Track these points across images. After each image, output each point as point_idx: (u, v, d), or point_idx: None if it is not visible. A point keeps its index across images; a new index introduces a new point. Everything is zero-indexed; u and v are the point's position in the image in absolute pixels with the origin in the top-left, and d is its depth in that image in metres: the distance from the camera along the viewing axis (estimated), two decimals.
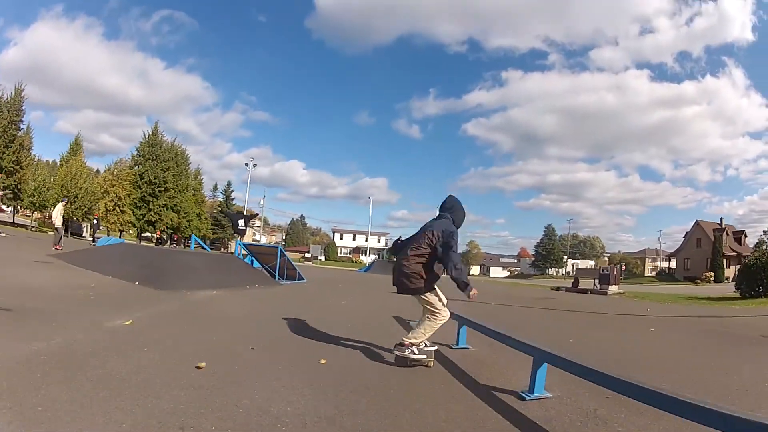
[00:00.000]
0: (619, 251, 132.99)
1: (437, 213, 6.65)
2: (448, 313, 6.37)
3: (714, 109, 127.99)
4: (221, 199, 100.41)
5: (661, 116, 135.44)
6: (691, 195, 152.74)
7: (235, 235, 23.81)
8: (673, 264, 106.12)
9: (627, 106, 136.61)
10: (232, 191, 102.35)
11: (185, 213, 64.55)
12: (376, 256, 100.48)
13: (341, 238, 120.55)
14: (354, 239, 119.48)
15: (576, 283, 29.61)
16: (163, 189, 61.02)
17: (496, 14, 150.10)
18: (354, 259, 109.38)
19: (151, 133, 63.58)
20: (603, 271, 27.55)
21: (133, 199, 60.02)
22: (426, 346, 6.28)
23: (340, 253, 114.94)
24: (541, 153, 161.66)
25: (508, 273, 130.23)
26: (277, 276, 18.11)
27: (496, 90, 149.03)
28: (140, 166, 61.22)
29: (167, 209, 61.33)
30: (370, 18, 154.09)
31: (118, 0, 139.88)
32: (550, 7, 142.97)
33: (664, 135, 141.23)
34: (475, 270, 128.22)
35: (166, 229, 61.71)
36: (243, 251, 20.87)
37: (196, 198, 70.94)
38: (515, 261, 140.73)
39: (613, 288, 26.91)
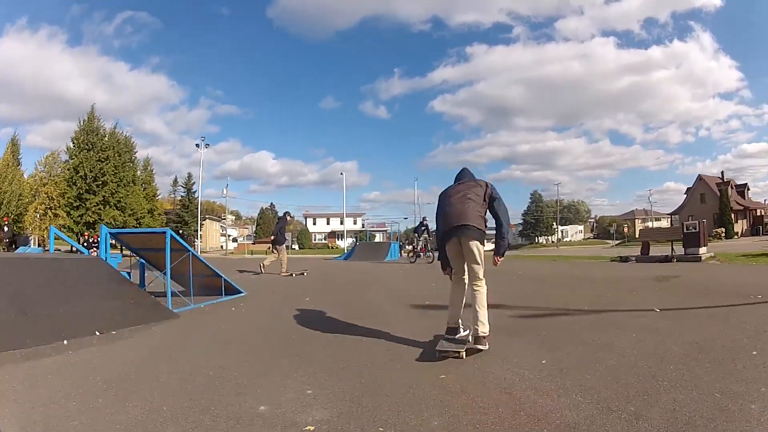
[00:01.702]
0: (599, 216, 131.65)
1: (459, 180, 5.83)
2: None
3: (683, 73, 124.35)
4: (183, 194, 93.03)
5: (629, 82, 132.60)
6: (663, 157, 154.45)
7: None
8: (664, 223, 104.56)
9: (594, 74, 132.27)
10: (194, 183, 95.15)
11: (132, 210, 54.70)
12: (354, 239, 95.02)
13: (314, 224, 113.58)
14: (328, 223, 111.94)
15: (646, 248, 21.71)
16: (100, 183, 51.21)
17: None
18: (330, 245, 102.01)
19: (87, 119, 53.48)
20: (689, 228, 19.74)
21: (68, 198, 50.24)
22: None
23: (315, 240, 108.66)
24: (510, 124, 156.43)
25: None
26: (169, 298, 8.14)
27: (461, 65, 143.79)
28: (74, 159, 51.53)
29: (108, 207, 51.46)
30: (332, 2, 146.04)
31: (80, 6, 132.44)
32: None
33: (633, 100, 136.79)
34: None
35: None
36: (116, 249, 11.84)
37: (146, 192, 61.19)
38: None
39: (703, 251, 19.38)
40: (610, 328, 6.17)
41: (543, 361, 4.74)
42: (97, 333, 6.14)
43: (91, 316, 6.49)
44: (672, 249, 20.00)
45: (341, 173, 68.08)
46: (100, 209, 50.60)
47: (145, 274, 10.18)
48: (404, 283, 13.50)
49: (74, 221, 49.47)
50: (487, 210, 5.49)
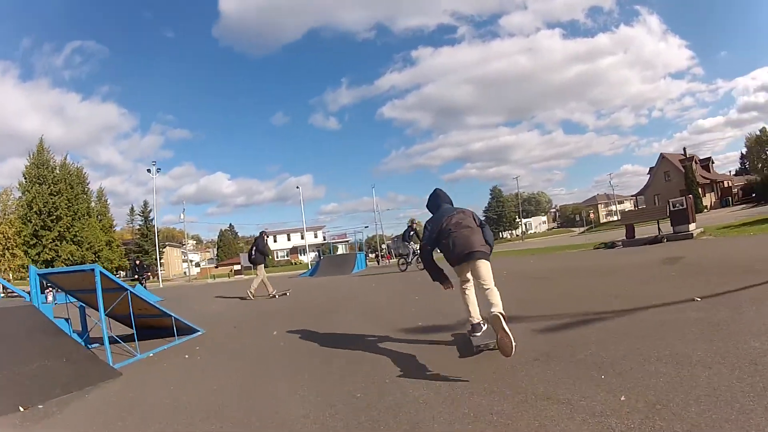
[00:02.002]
0: (559, 205, 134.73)
1: (440, 205, 6.72)
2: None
3: (631, 57, 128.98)
4: (140, 223, 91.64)
5: (577, 71, 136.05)
6: (618, 141, 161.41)
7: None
8: (629, 205, 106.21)
9: (541, 66, 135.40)
10: (150, 211, 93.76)
11: (89, 244, 52.97)
12: (318, 253, 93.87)
13: (275, 241, 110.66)
14: (289, 239, 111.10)
15: (631, 231, 21.37)
16: (55, 218, 49.38)
17: None
18: (293, 261, 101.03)
19: (36, 151, 51.64)
20: (675, 206, 19.42)
21: (24, 236, 48.44)
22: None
23: (277, 257, 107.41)
24: (461, 124, 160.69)
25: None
26: (108, 351, 7.38)
27: (408, 70, 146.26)
28: (27, 194, 49.64)
29: (65, 242, 49.61)
30: (276, 17, 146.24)
31: (30, 38, 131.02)
32: None
33: (582, 88, 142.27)
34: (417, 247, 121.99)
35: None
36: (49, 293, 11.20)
37: (102, 224, 59.45)
38: None
39: (692, 227, 19.31)
40: (665, 331, 5.31)
41: (622, 398, 3.60)
42: (21, 409, 5.15)
43: (14, 384, 5.55)
44: (659, 229, 19.82)
45: (297, 187, 67.68)
46: (56, 245, 48.82)
47: (87, 320, 8.79)
48: (384, 299, 12.57)
49: (32, 260, 46.98)
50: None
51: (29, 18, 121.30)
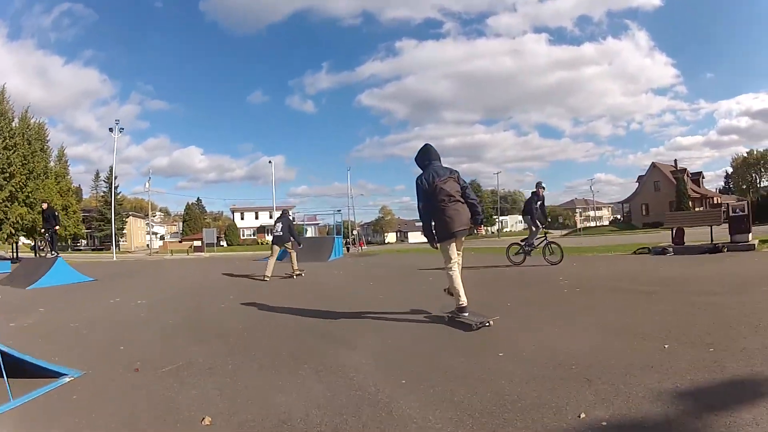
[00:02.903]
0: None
1: (431, 161, 7.35)
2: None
3: (615, 69, 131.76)
4: (104, 190, 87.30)
5: (558, 77, 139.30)
6: (594, 149, 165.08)
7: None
8: (606, 212, 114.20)
9: (524, 69, 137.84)
10: (116, 177, 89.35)
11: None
12: None
13: (242, 218, 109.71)
14: (257, 218, 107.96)
15: (680, 236, 18.44)
16: (7, 175, 44.67)
17: None
18: (260, 240, 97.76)
19: None
20: (735, 211, 16.73)
21: None
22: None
23: (243, 235, 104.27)
24: (437, 118, 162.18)
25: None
26: None
27: (389, 60, 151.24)
28: None
29: (15, 203, 45.16)
30: None
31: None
32: None
33: (562, 95, 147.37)
34: (391, 237, 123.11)
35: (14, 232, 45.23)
36: None
37: (60, 186, 55.24)
38: None
39: (750, 237, 17.08)
40: None
41: None
42: None
43: None
44: (712, 236, 17.69)
45: (269, 161, 64.22)
46: (6, 206, 44.46)
47: None
48: (391, 304, 9.52)
49: None
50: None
51: None
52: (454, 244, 7.14)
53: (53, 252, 19.57)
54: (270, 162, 63.74)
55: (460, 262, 7.29)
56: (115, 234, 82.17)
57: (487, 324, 6.69)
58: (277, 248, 17.00)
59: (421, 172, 7.41)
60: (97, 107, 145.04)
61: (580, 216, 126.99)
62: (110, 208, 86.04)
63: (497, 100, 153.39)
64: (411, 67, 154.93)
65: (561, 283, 11.07)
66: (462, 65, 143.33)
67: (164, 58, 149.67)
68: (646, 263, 15.16)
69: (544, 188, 17.43)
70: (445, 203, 6.96)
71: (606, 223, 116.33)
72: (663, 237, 27.09)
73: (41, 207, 18.82)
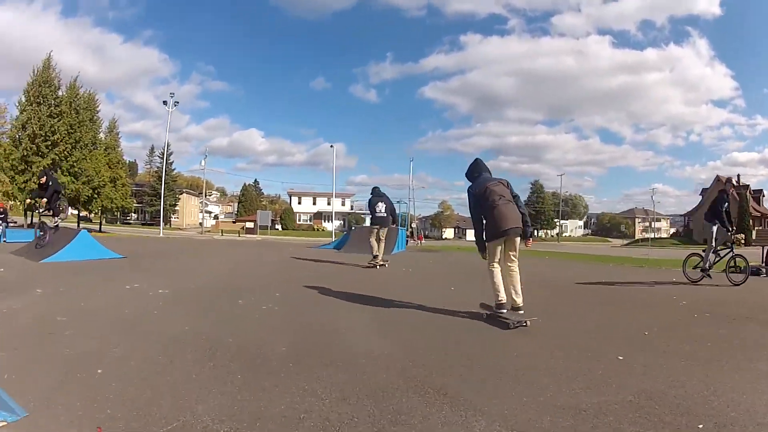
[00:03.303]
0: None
1: (480, 173, 7.38)
2: None
3: (676, 77, 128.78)
4: (158, 165, 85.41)
5: (621, 81, 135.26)
6: (653, 158, 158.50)
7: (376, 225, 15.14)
8: (665, 224, 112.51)
9: (587, 71, 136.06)
10: (171, 153, 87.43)
11: (87, 177, 45.76)
12: (345, 223, 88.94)
13: (299, 203, 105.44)
14: (314, 203, 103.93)
15: None
16: (50, 143, 42.06)
17: None
18: (316, 227, 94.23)
19: (41, 67, 43.79)
20: None
21: (12, 161, 41.04)
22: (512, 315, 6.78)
23: (299, 220, 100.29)
24: (500, 115, 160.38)
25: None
26: None
27: (454, 54, 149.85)
28: (23, 114, 42.08)
29: (59, 172, 41.36)
30: None
31: None
32: None
33: (624, 99, 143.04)
34: (449, 233, 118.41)
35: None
36: None
37: (110, 158, 51.59)
38: None
39: None
40: None
41: None
42: None
43: None
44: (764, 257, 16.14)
45: (331, 146, 60.38)
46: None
47: None
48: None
49: (19, 188, 40.67)
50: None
51: None
52: (502, 246, 7.00)
53: (56, 220, 15.97)
54: (332, 147, 59.97)
55: (515, 267, 6.98)
56: (166, 210, 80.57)
57: (525, 324, 6.56)
58: (378, 231, 14.71)
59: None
60: (156, 85, 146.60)
61: (640, 225, 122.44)
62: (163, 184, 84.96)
63: (560, 100, 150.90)
64: (475, 61, 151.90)
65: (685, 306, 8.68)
66: (526, 63, 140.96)
67: (226, 41, 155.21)
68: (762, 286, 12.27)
69: (734, 186, 13.27)
70: (496, 202, 6.91)
71: (664, 235, 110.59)
72: None
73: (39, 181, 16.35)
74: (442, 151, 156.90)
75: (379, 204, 14.66)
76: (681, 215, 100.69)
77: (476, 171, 7.43)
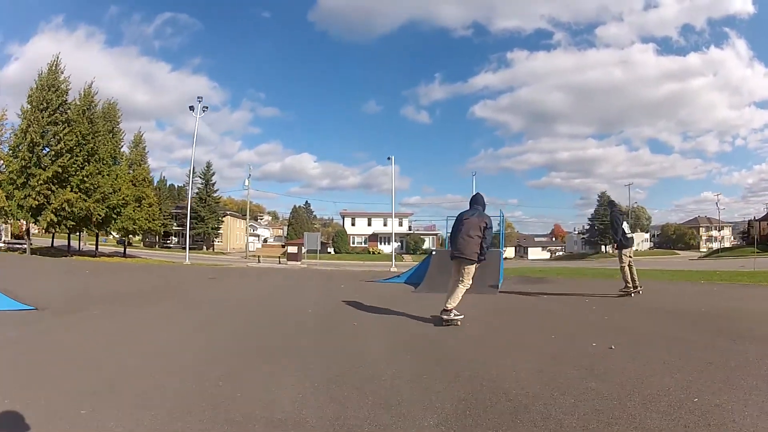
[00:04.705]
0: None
1: (471, 205, 9.23)
2: (470, 285, 8.79)
3: (720, 81, 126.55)
4: (200, 186, 79.40)
5: (668, 89, 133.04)
6: (701, 166, 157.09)
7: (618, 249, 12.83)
8: (728, 232, 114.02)
9: (634, 81, 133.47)
10: (213, 174, 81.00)
11: (104, 195, 38.35)
12: (401, 244, 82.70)
13: (353, 224, 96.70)
14: (369, 224, 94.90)
15: None
16: (54, 154, 34.84)
17: None
18: (372, 249, 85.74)
19: (47, 69, 36.76)
20: None
21: (11, 173, 33.99)
22: (456, 314, 8.50)
23: (353, 243, 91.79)
24: (551, 131, 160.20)
25: (549, 254, 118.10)
26: None
27: (502, 71, 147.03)
28: (24, 121, 35.03)
29: (61, 186, 35.18)
30: (373, 6, 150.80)
31: (118, 6, 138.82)
32: None
33: (672, 107, 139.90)
34: (510, 252, 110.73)
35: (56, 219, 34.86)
36: None
37: (134, 175, 44.56)
38: (551, 240, 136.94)
39: None
40: None
41: None
42: None
43: None
44: None
45: (389, 158, 52.36)
46: (48, 189, 34.43)
47: None
48: None
49: (17, 204, 33.88)
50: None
51: None
52: (456, 266, 8.94)
53: None
54: (389, 159, 51.79)
55: (459, 284, 8.67)
56: (209, 233, 74.51)
57: (448, 324, 8.35)
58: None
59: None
60: (208, 113, 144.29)
61: (705, 234, 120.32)
62: (205, 206, 78.16)
63: (609, 113, 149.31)
64: (524, 78, 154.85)
65: None
66: (574, 76, 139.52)
67: (275, 67, 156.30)
68: None
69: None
70: (458, 233, 8.83)
71: (727, 244, 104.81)
72: None
73: None
74: (494, 169, 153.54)
75: (624, 224, 12.84)
76: (759, 219, 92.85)
77: (471, 202, 9.26)
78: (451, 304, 8.42)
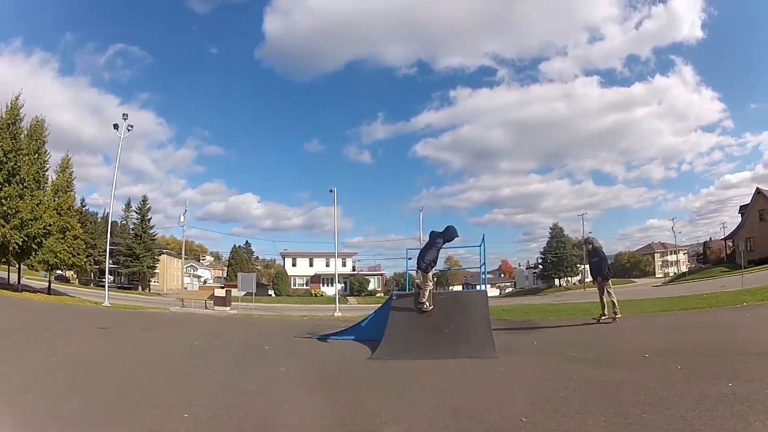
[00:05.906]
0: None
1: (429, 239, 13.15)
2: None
3: (665, 108, 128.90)
4: (135, 222, 75.15)
5: (612, 120, 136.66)
6: (646, 194, 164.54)
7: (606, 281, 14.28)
8: (683, 257, 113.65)
9: (577, 114, 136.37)
10: (149, 209, 76.63)
11: (22, 221, 34.03)
12: (344, 286, 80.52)
13: (294, 265, 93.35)
14: (311, 265, 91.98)
15: None
16: None
17: (446, 35, 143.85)
18: (314, 292, 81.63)
19: None
20: None
21: None
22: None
23: (294, 284, 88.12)
24: (493, 168, 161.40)
25: (498, 291, 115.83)
26: None
27: (444, 109, 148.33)
28: None
29: None
30: (319, 45, 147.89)
31: (73, 34, 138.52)
32: (499, 24, 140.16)
33: (615, 138, 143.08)
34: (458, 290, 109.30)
35: None
36: None
37: (60, 203, 39.95)
38: (498, 276, 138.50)
39: None
40: None
41: None
42: None
43: None
44: None
45: (330, 190, 49.51)
46: None
47: None
48: None
49: None
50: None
51: (73, 14, 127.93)
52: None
53: None
54: (331, 191, 48.96)
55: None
56: (144, 272, 70.40)
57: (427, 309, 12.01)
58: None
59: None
60: (153, 149, 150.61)
61: (660, 260, 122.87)
62: (140, 243, 73.60)
63: (551, 147, 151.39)
64: (466, 116, 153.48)
65: None
66: (516, 112, 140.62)
67: (221, 104, 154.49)
68: None
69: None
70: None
71: (684, 268, 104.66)
72: None
73: None
74: (437, 208, 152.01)
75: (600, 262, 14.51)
76: (724, 239, 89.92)
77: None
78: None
